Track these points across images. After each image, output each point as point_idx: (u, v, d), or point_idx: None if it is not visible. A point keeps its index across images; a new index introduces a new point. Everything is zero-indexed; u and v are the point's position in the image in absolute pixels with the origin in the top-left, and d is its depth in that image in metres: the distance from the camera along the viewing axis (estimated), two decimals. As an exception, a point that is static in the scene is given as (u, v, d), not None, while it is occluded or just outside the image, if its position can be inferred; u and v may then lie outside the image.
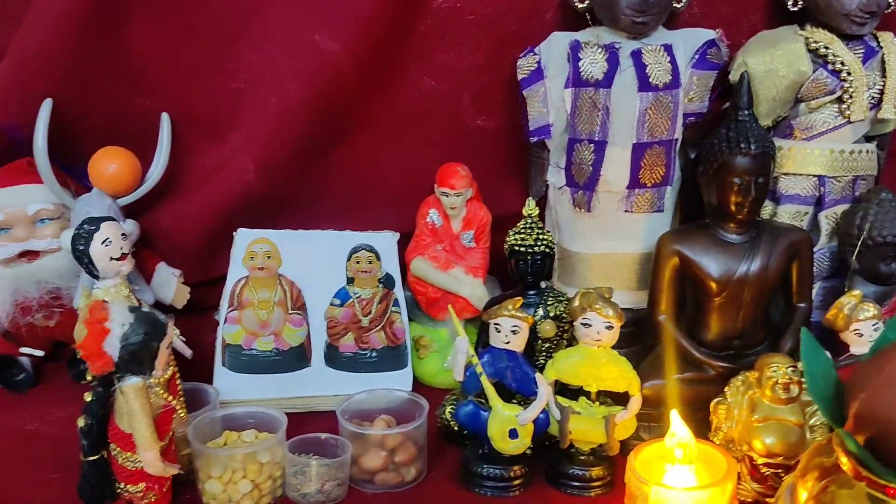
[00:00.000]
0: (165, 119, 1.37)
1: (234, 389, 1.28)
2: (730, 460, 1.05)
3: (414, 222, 1.37)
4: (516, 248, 1.21)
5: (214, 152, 1.37)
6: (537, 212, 1.23)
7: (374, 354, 1.35)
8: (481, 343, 1.23)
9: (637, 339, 1.32)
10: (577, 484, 1.14)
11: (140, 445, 0.97)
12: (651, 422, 1.21)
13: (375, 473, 1.14)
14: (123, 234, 1.19)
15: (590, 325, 1.12)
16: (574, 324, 1.14)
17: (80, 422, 0.98)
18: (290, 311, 1.32)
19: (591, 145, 1.25)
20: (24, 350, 1.38)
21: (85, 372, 1.37)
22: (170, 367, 1.01)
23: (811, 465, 0.91)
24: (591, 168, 1.26)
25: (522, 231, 1.22)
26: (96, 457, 0.99)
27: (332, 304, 1.33)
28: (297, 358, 1.32)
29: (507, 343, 1.12)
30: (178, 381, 1.04)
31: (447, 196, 1.30)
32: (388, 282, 1.34)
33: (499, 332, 1.12)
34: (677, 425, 1.05)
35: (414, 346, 1.38)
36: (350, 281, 1.33)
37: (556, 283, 1.35)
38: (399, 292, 1.35)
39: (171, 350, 1.01)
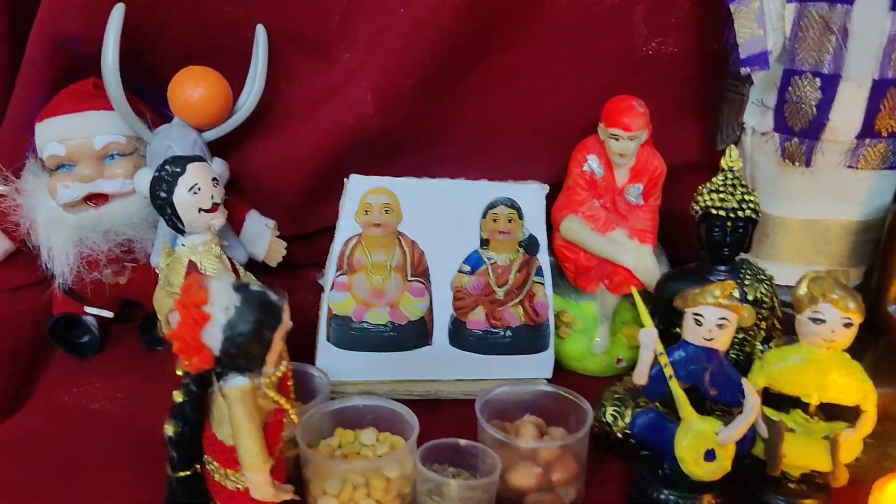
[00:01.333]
0: (261, 33, 1.10)
1: (340, 369, 1.06)
2: None
3: (565, 171, 1.10)
4: (713, 210, 0.94)
5: (322, 77, 1.10)
6: (740, 165, 0.95)
7: (508, 334, 1.10)
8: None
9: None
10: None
11: (245, 464, 0.74)
12: (871, 438, 0.95)
13: (526, 494, 0.91)
14: (215, 179, 0.95)
15: (822, 322, 0.85)
16: (798, 317, 0.88)
17: (169, 429, 0.76)
18: (409, 278, 1.07)
19: (817, 80, 0.95)
20: (90, 310, 1.16)
21: (159, 339, 1.17)
22: (283, 363, 0.77)
23: None
24: (813, 110, 0.97)
25: (722, 189, 0.94)
26: (188, 472, 0.77)
27: (460, 272, 1.08)
28: (415, 334, 1.08)
29: (710, 340, 0.86)
30: (290, 381, 0.80)
31: (617, 140, 1.03)
32: (530, 245, 1.08)
33: (699, 324, 0.86)
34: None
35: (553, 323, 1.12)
36: (484, 243, 1.08)
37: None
38: (544, 259, 1.09)
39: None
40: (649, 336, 0.87)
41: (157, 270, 1.04)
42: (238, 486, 0.77)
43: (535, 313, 1.10)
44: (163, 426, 0.78)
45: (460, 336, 1.09)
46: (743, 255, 0.99)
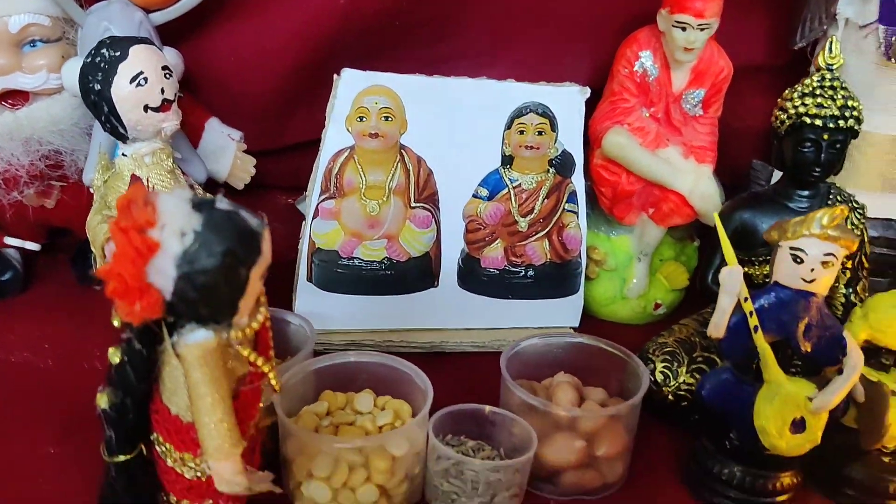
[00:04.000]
0: None
1: (323, 316, 0.87)
2: None
3: (607, 73, 0.89)
4: (808, 119, 0.74)
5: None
6: (842, 62, 0.75)
7: (530, 273, 0.91)
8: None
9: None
10: (869, 500, 0.74)
11: (208, 448, 0.54)
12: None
13: (563, 471, 0.73)
14: (166, 68, 0.72)
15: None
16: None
17: (103, 401, 0.56)
18: (413, 204, 0.87)
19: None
20: (10, 241, 0.95)
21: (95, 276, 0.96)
22: (260, 310, 0.57)
23: None
24: (933, -8, 0.77)
25: (819, 92, 0.75)
26: (129, 455, 0.57)
27: (476, 196, 0.89)
28: (418, 273, 0.90)
29: (811, 281, 0.67)
30: (270, 332, 0.59)
31: (684, 30, 0.82)
32: (563, 164, 0.88)
33: (799, 261, 0.67)
34: None
35: (580, 260, 0.94)
36: (507, 161, 0.87)
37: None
38: (578, 181, 0.89)
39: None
40: (734, 277, 0.69)
41: (91, 189, 0.82)
42: (198, 474, 0.58)
43: (565, 248, 0.91)
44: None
45: (472, 276, 0.91)
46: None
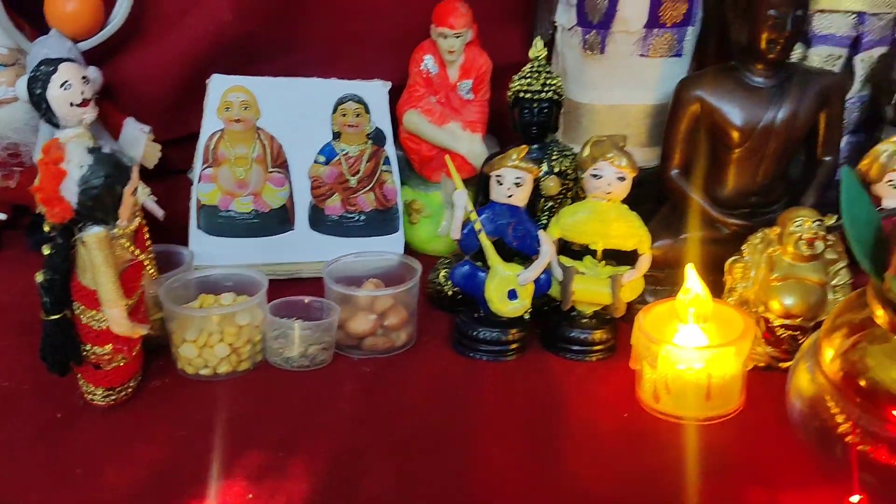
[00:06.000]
0: (127, -51, 1.22)
1: (211, 254, 1.18)
2: (746, 319, 0.98)
3: (407, 71, 1.24)
4: (521, 94, 1.10)
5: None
6: (545, 54, 1.11)
7: (362, 217, 1.25)
8: (478, 203, 1.14)
9: (642, 201, 1.23)
10: (577, 348, 1.06)
11: (104, 301, 0.88)
12: (657, 284, 1.13)
13: (363, 338, 1.06)
14: (84, 78, 1.07)
15: (600, 177, 1.02)
16: (583, 176, 1.05)
17: (40, 277, 0.89)
18: (270, 170, 1.21)
19: (608, -24, 1.12)
20: (-15, 213, 1.28)
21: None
22: (136, 218, 0.91)
23: (839, 322, 0.85)
24: (606, 3, 1.13)
25: (528, 76, 1.10)
26: (59, 315, 0.90)
27: (316, 162, 1.22)
28: (278, 220, 1.22)
29: (510, 197, 1.03)
30: (146, 236, 0.94)
31: (445, 38, 1.18)
32: (377, 137, 1.23)
33: (500, 184, 1.02)
34: (692, 281, 0.97)
35: (406, 211, 1.28)
36: (336, 136, 1.22)
37: (560, 138, 1.24)
38: (390, 149, 1.24)
39: (138, 203, 0.90)
40: (461, 196, 1.03)
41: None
42: (101, 325, 0.91)
43: (385, 199, 1.25)
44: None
45: (319, 221, 1.23)
46: (555, 137, 1.16)
